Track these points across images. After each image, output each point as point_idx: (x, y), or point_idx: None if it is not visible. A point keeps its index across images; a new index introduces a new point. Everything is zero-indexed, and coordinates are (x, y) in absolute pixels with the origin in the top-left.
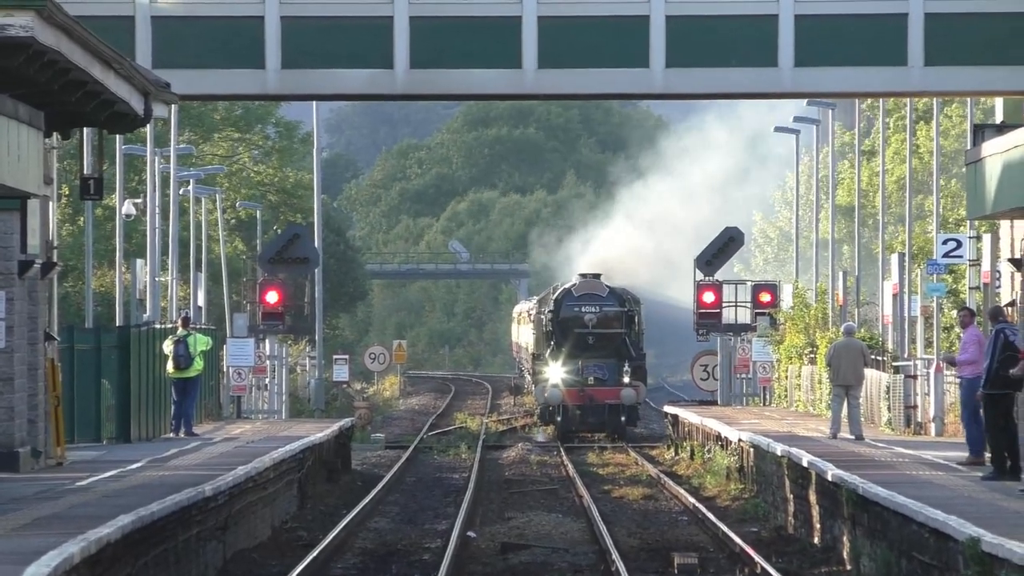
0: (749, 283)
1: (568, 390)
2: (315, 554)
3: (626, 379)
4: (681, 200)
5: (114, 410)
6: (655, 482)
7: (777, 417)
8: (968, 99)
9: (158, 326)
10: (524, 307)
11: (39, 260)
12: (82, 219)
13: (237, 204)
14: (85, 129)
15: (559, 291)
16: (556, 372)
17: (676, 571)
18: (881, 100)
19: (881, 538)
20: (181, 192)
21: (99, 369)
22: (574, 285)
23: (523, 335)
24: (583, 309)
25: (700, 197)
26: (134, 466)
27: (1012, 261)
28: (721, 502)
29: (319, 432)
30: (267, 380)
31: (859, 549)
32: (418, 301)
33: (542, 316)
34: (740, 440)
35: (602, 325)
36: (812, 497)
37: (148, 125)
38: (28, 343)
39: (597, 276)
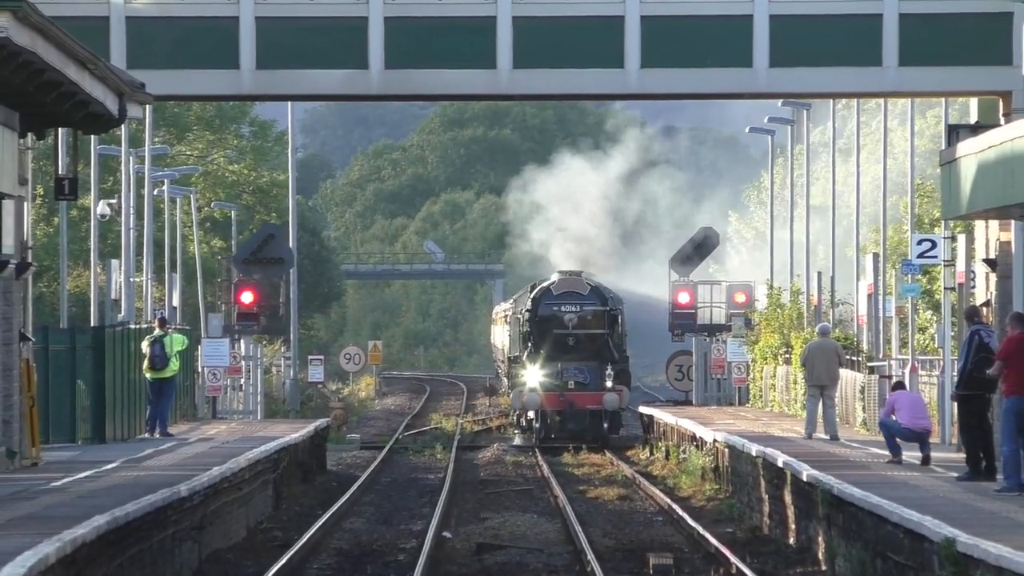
0: (724, 283)
1: (547, 395)
2: (290, 554)
3: (609, 383)
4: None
5: (89, 410)
6: (630, 482)
7: (752, 417)
8: (943, 99)
9: (133, 326)
10: (503, 307)
11: (14, 260)
12: (57, 219)
13: (212, 204)
14: (60, 129)
15: (537, 289)
16: (534, 376)
17: (651, 571)
18: (857, 100)
19: (856, 538)
20: (156, 192)
21: (74, 369)
22: (553, 283)
23: (500, 336)
24: (563, 308)
25: (675, 196)
26: (109, 466)
27: (987, 261)
28: (696, 502)
29: (294, 433)
30: (242, 380)
31: (834, 549)
32: (393, 301)
33: (519, 316)
34: (715, 440)
35: (583, 325)
36: (787, 497)
37: (123, 125)
38: (3, 343)
39: (578, 273)
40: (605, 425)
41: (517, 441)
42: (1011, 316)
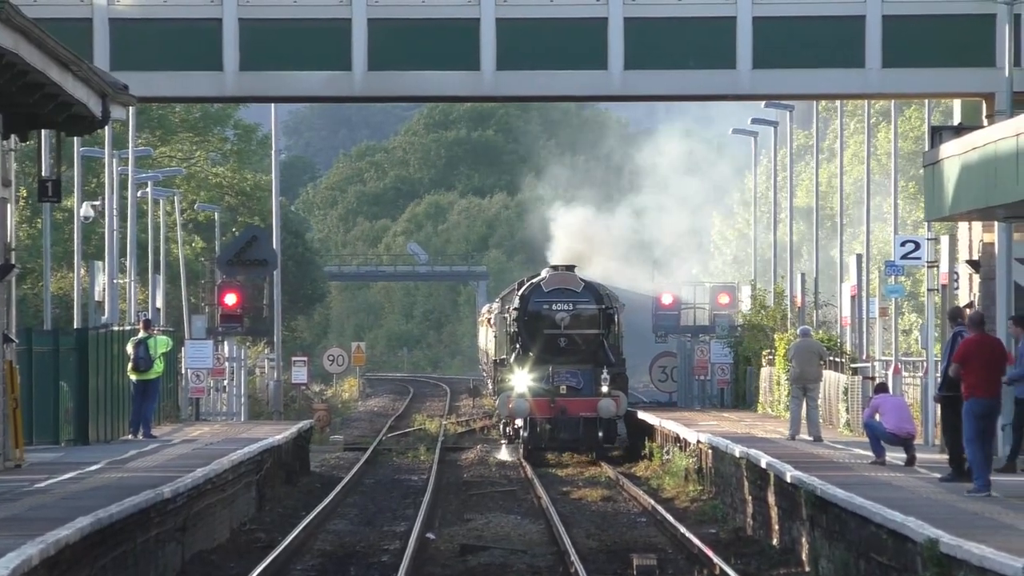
0: (707, 285)
1: (536, 401)
2: (274, 556)
3: (604, 388)
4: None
5: (72, 412)
6: (614, 484)
7: (735, 419)
8: (926, 101)
9: (116, 328)
10: (490, 307)
11: None
12: (40, 221)
13: (196, 206)
14: (43, 131)
15: (526, 286)
16: (522, 380)
17: (635, 572)
18: (839, 102)
19: (840, 539)
20: (139, 194)
21: (57, 371)
22: (543, 279)
23: (487, 339)
24: (554, 307)
25: (659, 198)
26: (93, 468)
27: (970, 263)
28: (680, 503)
29: (278, 434)
30: (225, 382)
31: (818, 550)
32: (377, 303)
33: (506, 315)
34: (699, 441)
35: (576, 325)
36: (771, 498)
37: (106, 127)
38: None
39: (570, 268)
40: (600, 434)
41: (504, 454)
42: (969, 317)
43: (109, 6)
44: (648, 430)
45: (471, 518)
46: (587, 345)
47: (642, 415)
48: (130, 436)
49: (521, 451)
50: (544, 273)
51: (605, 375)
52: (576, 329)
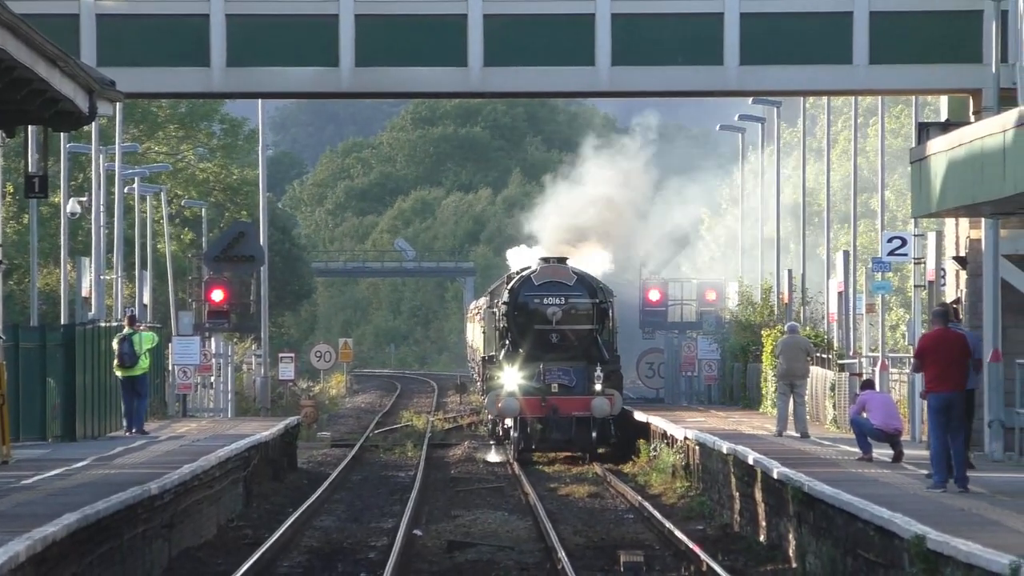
0: (695, 281)
1: (527, 399)
2: (261, 552)
3: (598, 386)
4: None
5: (59, 408)
6: (601, 480)
7: (723, 415)
8: (913, 97)
9: (103, 324)
10: (479, 303)
11: None
12: (27, 217)
13: (183, 202)
14: (30, 127)
15: (516, 279)
16: (512, 378)
17: (622, 569)
18: (827, 99)
19: (827, 536)
20: (126, 190)
21: (44, 367)
22: (534, 272)
23: (475, 334)
24: (546, 301)
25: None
26: (80, 464)
27: (957, 259)
28: (667, 500)
29: (265, 430)
30: (213, 378)
31: (805, 547)
32: (364, 299)
33: (495, 310)
34: (686, 438)
35: (569, 320)
36: (758, 495)
37: (93, 123)
38: None
39: (563, 260)
40: (593, 434)
41: (492, 456)
42: (933, 311)
43: (96, 2)
44: (638, 427)
45: (458, 515)
46: (580, 341)
47: (637, 415)
48: (124, 432)
49: (511, 452)
50: (535, 265)
51: (599, 372)
52: (568, 324)
